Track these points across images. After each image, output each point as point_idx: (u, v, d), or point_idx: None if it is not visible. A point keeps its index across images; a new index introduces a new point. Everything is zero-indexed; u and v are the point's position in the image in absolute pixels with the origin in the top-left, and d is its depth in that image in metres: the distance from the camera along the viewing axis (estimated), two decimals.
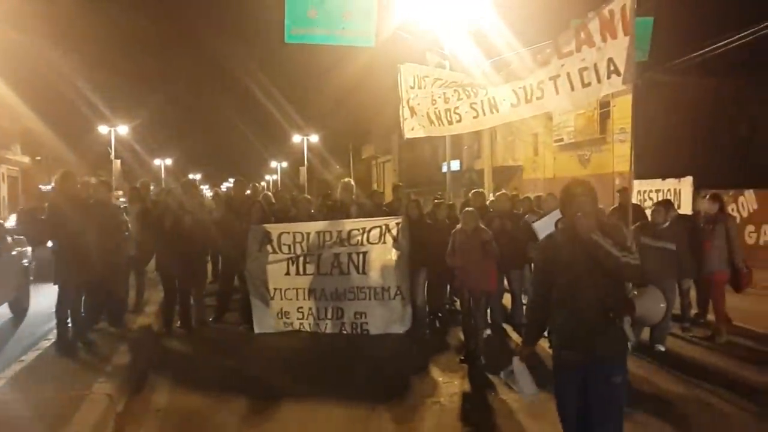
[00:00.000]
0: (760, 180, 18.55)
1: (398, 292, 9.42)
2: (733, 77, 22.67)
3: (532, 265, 11.37)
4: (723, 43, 19.62)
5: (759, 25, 18.44)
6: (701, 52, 20.60)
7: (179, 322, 10.05)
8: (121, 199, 22.03)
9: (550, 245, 4.53)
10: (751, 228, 16.24)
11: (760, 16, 18.61)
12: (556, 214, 7.95)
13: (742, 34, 19.08)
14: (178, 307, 10.06)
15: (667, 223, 8.66)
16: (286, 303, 9.77)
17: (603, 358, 4.20)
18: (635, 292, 4.46)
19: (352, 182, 11.25)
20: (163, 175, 64.10)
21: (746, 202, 17.09)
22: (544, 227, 9.03)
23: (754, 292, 10.21)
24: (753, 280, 9.17)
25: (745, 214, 16.66)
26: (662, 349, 8.42)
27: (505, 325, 9.95)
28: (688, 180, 18.76)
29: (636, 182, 19.43)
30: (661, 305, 4.50)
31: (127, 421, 6.33)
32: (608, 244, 4.10)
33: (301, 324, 9.73)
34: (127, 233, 10.22)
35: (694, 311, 9.89)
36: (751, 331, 9.44)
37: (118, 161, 46.94)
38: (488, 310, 9.38)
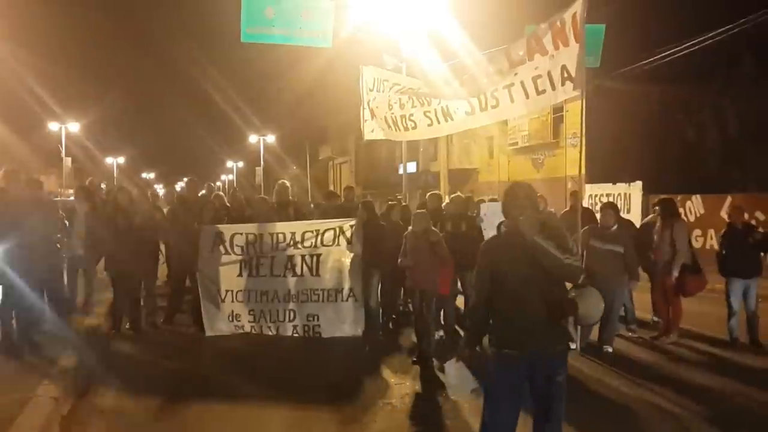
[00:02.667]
0: (707, 186, 19.08)
1: (351, 294, 9.41)
2: (681, 85, 23.23)
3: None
4: (671, 51, 20.15)
5: (706, 34, 18.98)
6: (650, 60, 21.14)
7: (128, 324, 9.88)
8: (71, 198, 21.55)
9: (494, 247, 4.59)
10: (698, 232, 16.69)
11: (706, 26, 19.17)
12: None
13: (690, 43, 19.63)
14: (127, 308, 9.88)
15: (615, 227, 8.84)
16: (237, 305, 9.69)
17: (547, 357, 4.29)
18: (574, 293, 4.54)
19: (288, 183, 11.21)
20: (115, 174, 62.91)
21: (693, 207, 17.57)
22: (492, 212, 9.25)
23: (702, 294, 10.45)
24: (702, 285, 9.36)
25: (692, 219, 17.12)
26: (610, 350, 8.59)
27: (458, 327, 10.02)
28: (638, 185, 19.20)
29: (587, 186, 19.89)
30: (600, 305, 4.59)
31: (73, 424, 6.20)
32: (550, 246, 4.18)
33: (252, 327, 9.65)
34: (59, 234, 9.95)
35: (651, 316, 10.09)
36: (697, 333, 9.66)
37: (69, 159, 45.90)
38: (441, 312, 9.46)
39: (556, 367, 4.33)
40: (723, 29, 18.97)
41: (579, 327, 8.42)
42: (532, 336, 4.26)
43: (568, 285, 4.68)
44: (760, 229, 9.74)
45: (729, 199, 16.38)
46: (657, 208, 9.93)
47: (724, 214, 15.90)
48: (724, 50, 20.76)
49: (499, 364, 4.42)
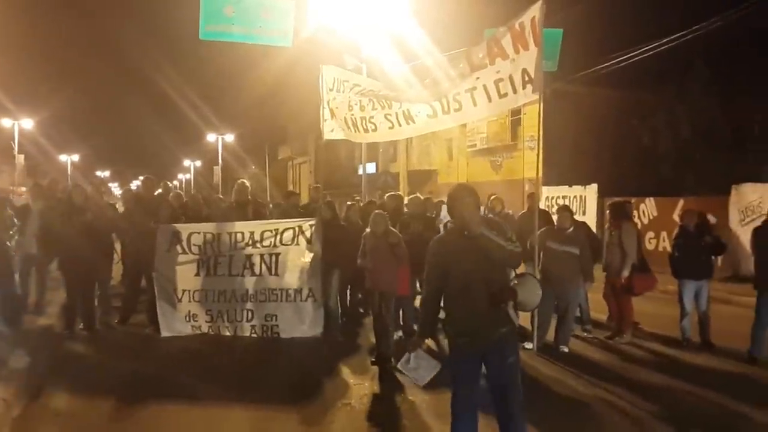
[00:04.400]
0: (661, 188, 19.51)
1: (310, 294, 9.38)
2: (636, 89, 23.72)
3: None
4: (627, 56, 20.55)
5: (660, 40, 19.40)
6: (607, 64, 21.52)
7: (82, 324, 9.70)
8: (24, 196, 21.08)
9: (442, 243, 4.92)
10: (651, 234, 17.04)
11: (661, 32, 19.59)
12: None
13: (644, 48, 20.04)
14: (80, 308, 9.70)
15: (571, 229, 8.97)
16: (194, 305, 9.59)
17: (496, 342, 4.65)
18: (515, 281, 4.88)
19: (247, 183, 11.14)
20: (69, 172, 61.66)
21: (647, 209, 17.93)
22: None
23: (655, 295, 10.69)
24: (651, 285, 9.58)
25: (645, 221, 17.48)
26: (566, 350, 8.72)
27: (417, 328, 10.05)
28: (594, 187, 19.56)
29: (544, 188, 20.16)
30: (538, 292, 4.92)
31: (24, 426, 6.08)
32: (495, 236, 4.54)
33: (210, 327, 9.57)
34: (11, 232, 9.74)
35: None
36: (652, 333, 9.85)
37: (22, 156, 44.94)
38: (401, 313, 9.49)
39: (505, 349, 4.69)
40: (676, 35, 19.42)
41: (536, 328, 8.58)
42: (479, 323, 4.64)
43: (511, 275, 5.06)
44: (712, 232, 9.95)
45: (681, 201, 16.77)
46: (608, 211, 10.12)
47: (676, 217, 16.28)
48: (678, 56, 21.26)
49: (456, 352, 4.84)
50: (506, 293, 4.62)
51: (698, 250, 9.13)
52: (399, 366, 5.11)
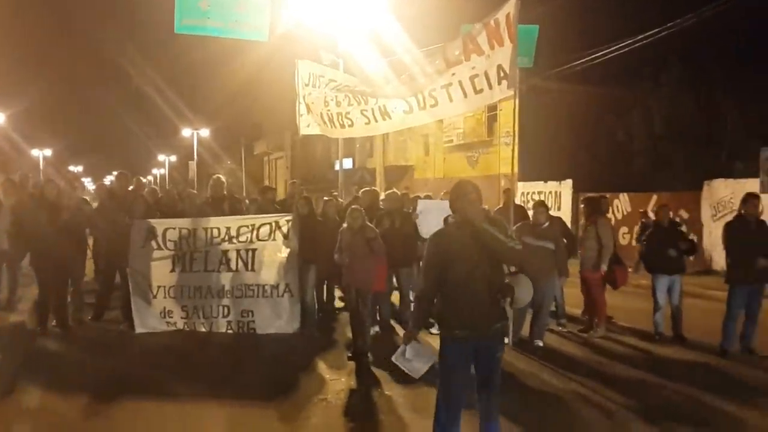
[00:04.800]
0: (635, 184, 19.71)
1: (287, 290, 9.35)
2: (611, 86, 23.91)
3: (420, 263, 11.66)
4: (602, 53, 20.70)
5: (635, 37, 19.57)
6: (582, 61, 21.65)
7: (55, 321, 9.59)
8: None
9: (443, 237, 4.97)
10: (624, 229, 17.21)
11: (636, 29, 19.76)
12: (443, 204, 8.62)
13: (619, 45, 20.21)
14: (53, 304, 9.58)
15: (546, 224, 9.03)
16: (169, 301, 9.52)
17: (490, 335, 4.79)
18: (509, 279, 5.01)
19: (223, 178, 11.08)
20: (41, 166, 60.82)
21: (621, 204, 18.11)
22: (427, 209, 9.56)
23: (628, 290, 10.80)
24: (627, 278, 9.69)
25: (619, 217, 17.66)
26: (541, 344, 8.79)
27: (393, 323, 10.08)
28: (569, 183, 19.72)
29: (520, 184, 20.30)
30: (530, 290, 5.16)
31: None
32: (496, 232, 4.64)
33: (185, 323, 9.51)
34: None
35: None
36: (625, 327, 9.98)
37: None
38: (377, 308, 9.50)
39: (496, 344, 4.87)
40: (651, 32, 19.59)
41: (511, 322, 8.61)
42: (478, 316, 4.71)
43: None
44: (684, 228, 10.10)
45: (655, 197, 16.97)
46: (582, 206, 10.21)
47: (650, 212, 16.47)
48: (653, 53, 21.46)
49: (450, 345, 4.85)
50: (506, 289, 4.75)
51: (671, 246, 9.25)
52: (394, 359, 5.14)
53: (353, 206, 8.61)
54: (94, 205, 11.75)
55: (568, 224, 13.89)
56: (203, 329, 9.47)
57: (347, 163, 31.29)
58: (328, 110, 10.22)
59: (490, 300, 4.71)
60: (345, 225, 8.38)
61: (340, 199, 12.42)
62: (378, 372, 7.60)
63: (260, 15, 11.98)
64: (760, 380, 7.52)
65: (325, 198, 11.24)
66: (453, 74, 8.84)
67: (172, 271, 9.58)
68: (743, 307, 8.35)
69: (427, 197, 12.28)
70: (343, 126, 10.27)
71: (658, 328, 9.34)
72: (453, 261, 4.75)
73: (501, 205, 11.20)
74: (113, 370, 7.83)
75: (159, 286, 9.54)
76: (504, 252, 4.70)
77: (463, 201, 4.74)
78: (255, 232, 9.50)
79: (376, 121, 9.89)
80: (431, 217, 9.59)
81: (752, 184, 12.60)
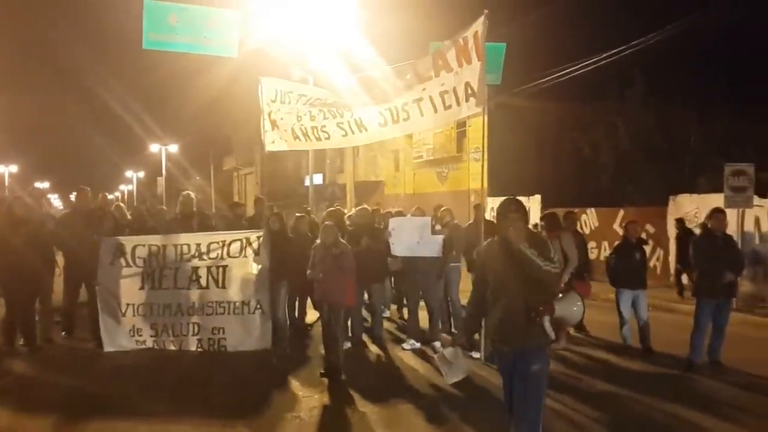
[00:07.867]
0: (601, 199, 19.99)
1: (258, 306, 9.30)
2: (577, 103, 24.32)
3: (392, 279, 11.69)
4: (568, 70, 21.05)
5: (600, 55, 19.95)
6: (549, 78, 21.99)
7: (22, 340, 9.45)
8: None
9: (487, 253, 5.11)
10: (592, 244, 17.37)
11: (601, 47, 20.16)
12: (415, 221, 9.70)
13: (585, 63, 20.57)
14: (21, 322, 9.43)
15: None
16: (139, 319, 9.41)
17: (525, 351, 4.77)
18: (560, 296, 4.97)
19: (192, 195, 11.00)
20: (6, 183, 59.77)
21: (588, 219, 18.33)
22: (400, 226, 9.68)
23: (598, 303, 10.93)
24: (590, 291, 9.83)
25: (587, 231, 17.84)
26: None
27: (365, 338, 10.08)
28: (537, 198, 19.89)
29: (490, 199, 20.43)
30: (575, 309, 5.03)
31: None
32: (533, 254, 4.65)
33: (155, 341, 9.40)
34: None
35: None
36: (595, 341, 10.11)
37: None
38: (349, 324, 9.49)
39: (533, 358, 4.78)
40: (616, 51, 19.99)
41: (483, 337, 8.66)
42: (514, 332, 4.77)
43: None
44: (650, 242, 10.26)
45: (621, 212, 17.20)
46: (541, 222, 10.31)
47: (616, 227, 16.70)
48: (617, 71, 21.89)
49: (496, 356, 5.05)
50: (544, 308, 4.71)
51: (635, 261, 9.44)
52: (437, 356, 5.31)
53: (327, 223, 8.62)
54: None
55: None
56: (173, 347, 9.37)
57: (317, 179, 31.22)
58: (301, 125, 10.22)
59: (526, 317, 4.71)
60: (318, 241, 8.38)
61: (312, 215, 12.40)
62: (351, 388, 7.59)
63: (230, 31, 11.96)
64: (726, 392, 7.64)
65: (297, 214, 11.22)
66: (424, 89, 9.00)
67: (142, 288, 9.48)
68: (710, 320, 8.50)
69: (399, 213, 12.32)
70: (319, 139, 10.30)
71: (627, 342, 9.47)
72: (492, 275, 4.90)
73: (471, 221, 11.26)
74: (82, 390, 7.72)
75: (128, 304, 9.42)
76: (538, 274, 4.69)
77: (504, 219, 4.81)
78: (226, 249, 9.44)
79: (353, 133, 9.97)
80: (404, 235, 9.65)
81: (716, 199, 12.82)
